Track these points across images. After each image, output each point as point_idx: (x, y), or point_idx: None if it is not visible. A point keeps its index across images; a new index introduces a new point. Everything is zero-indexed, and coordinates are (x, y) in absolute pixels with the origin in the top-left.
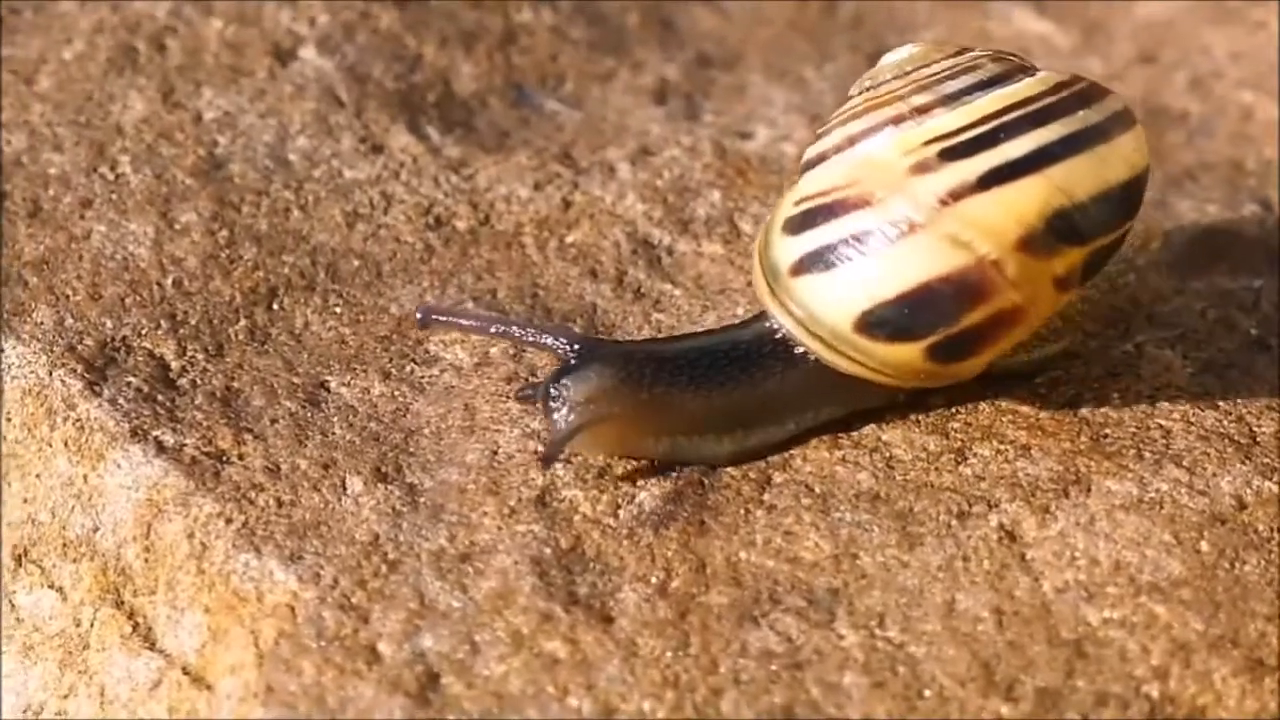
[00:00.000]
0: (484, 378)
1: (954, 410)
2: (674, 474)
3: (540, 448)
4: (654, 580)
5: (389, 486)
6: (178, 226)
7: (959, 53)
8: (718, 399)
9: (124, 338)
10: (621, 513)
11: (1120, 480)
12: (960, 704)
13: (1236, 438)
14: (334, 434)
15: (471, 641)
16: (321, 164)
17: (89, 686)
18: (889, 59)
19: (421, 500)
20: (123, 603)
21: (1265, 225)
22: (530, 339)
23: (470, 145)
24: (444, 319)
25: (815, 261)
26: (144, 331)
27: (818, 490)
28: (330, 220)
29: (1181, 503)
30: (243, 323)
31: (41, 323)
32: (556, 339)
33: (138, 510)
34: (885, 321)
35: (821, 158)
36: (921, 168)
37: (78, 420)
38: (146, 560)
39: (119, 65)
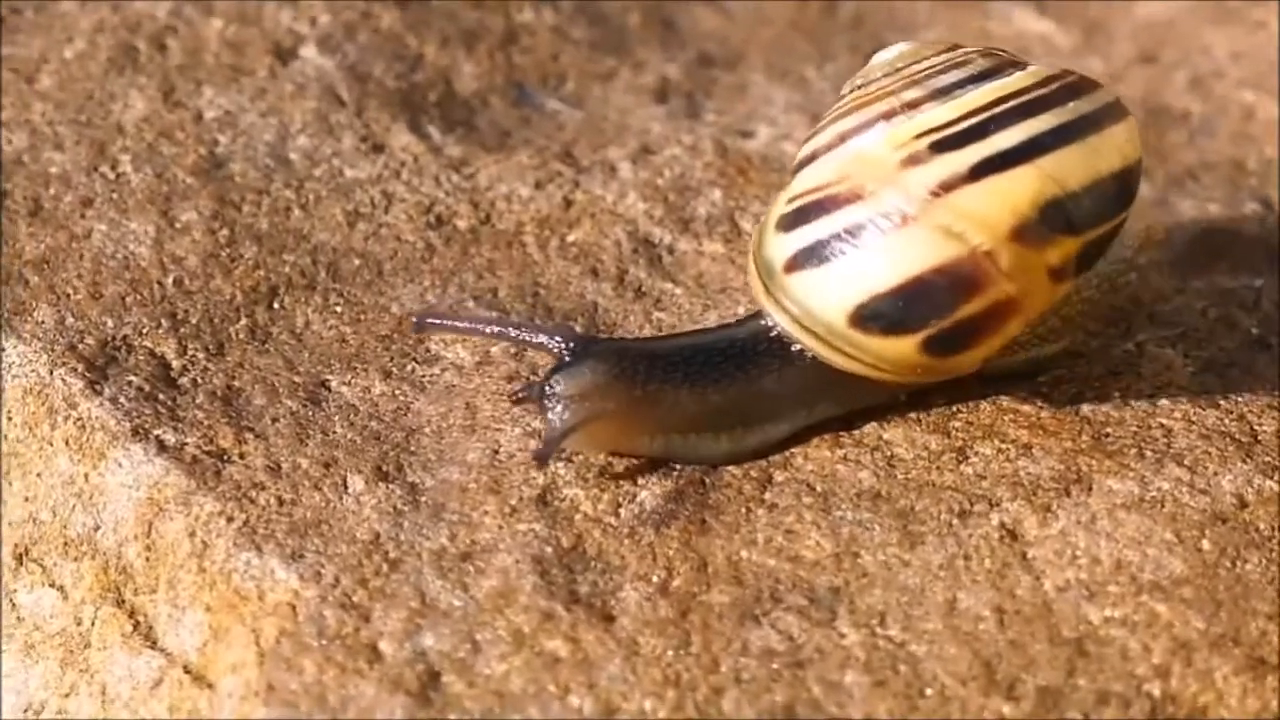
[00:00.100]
0: (485, 376)
1: (955, 409)
2: (675, 473)
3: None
4: (655, 579)
5: (390, 485)
6: (178, 225)
7: (949, 49)
8: (713, 396)
9: (125, 337)
10: (623, 511)
11: (1121, 479)
12: (961, 703)
13: (1238, 436)
14: (335, 433)
15: (473, 640)
16: (322, 163)
17: (90, 685)
18: (879, 58)
19: (422, 499)
20: (124, 601)
21: (1266, 224)
22: (525, 339)
23: (471, 144)
24: (439, 323)
25: (809, 257)
26: (145, 330)
27: (819, 489)
28: (331, 219)
29: (1183, 501)
30: (243, 322)
31: (42, 322)
32: (551, 338)
33: (139, 509)
34: (880, 315)
35: (813, 156)
36: (912, 160)
37: (79, 419)
38: (147, 559)
39: (120, 64)
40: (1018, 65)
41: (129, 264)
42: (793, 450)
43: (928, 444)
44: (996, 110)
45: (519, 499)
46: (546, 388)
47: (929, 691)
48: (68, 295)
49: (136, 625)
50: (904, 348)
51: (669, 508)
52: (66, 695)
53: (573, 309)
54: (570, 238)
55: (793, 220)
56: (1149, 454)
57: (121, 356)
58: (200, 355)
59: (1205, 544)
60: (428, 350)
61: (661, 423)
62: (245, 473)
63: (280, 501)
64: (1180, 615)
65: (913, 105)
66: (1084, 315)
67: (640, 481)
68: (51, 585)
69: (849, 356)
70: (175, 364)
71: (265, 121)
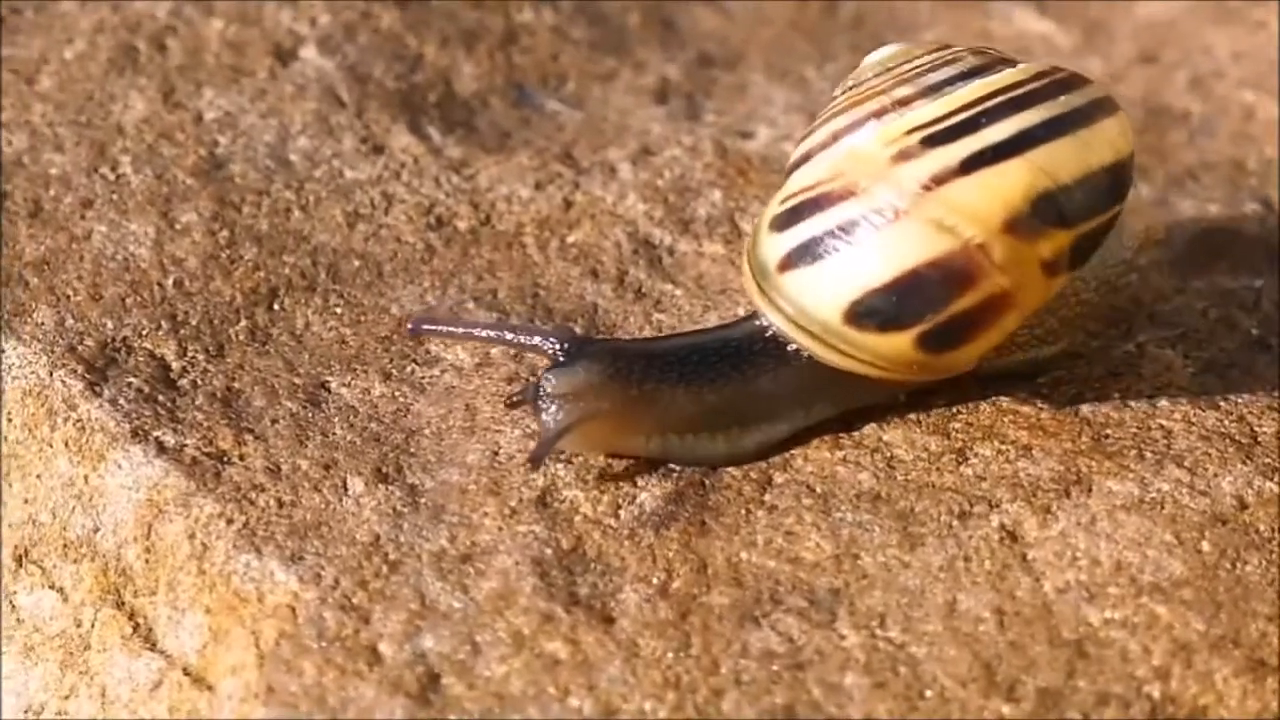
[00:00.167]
0: (485, 378)
1: (955, 410)
2: (675, 474)
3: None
4: (655, 581)
5: (390, 487)
6: (178, 227)
7: (940, 48)
8: (709, 396)
9: (125, 338)
10: (622, 513)
11: (1121, 480)
12: (961, 704)
13: (1237, 438)
14: (335, 434)
15: (472, 642)
16: (322, 164)
17: (90, 687)
18: (871, 58)
19: (422, 501)
20: (123, 603)
21: (1266, 224)
22: (520, 341)
23: (471, 145)
24: (434, 328)
25: (802, 255)
26: (145, 332)
27: (819, 490)
28: (331, 220)
29: (1183, 503)
30: (243, 323)
31: (42, 323)
32: (545, 339)
33: (138, 511)
34: (875, 311)
35: (807, 156)
36: (904, 155)
37: (78, 421)
38: (147, 561)
39: (120, 65)
40: (1007, 62)
41: (129, 265)
42: (792, 452)
43: (927, 445)
44: (987, 105)
45: (519, 501)
46: (540, 388)
47: (929, 693)
48: (67, 297)
49: (136, 627)
50: (899, 344)
51: (669, 509)
52: (66, 697)
53: (573, 310)
54: (570, 239)
55: (786, 220)
56: (1149, 455)
57: (121, 358)
58: (200, 357)
59: (1205, 545)
60: (427, 352)
61: (658, 423)
62: (245, 474)
63: (280, 503)
64: (1180, 617)
65: (904, 102)
66: (1082, 317)
67: (640, 483)
68: (51, 587)
69: (845, 355)
70: (175, 365)
71: (265, 122)
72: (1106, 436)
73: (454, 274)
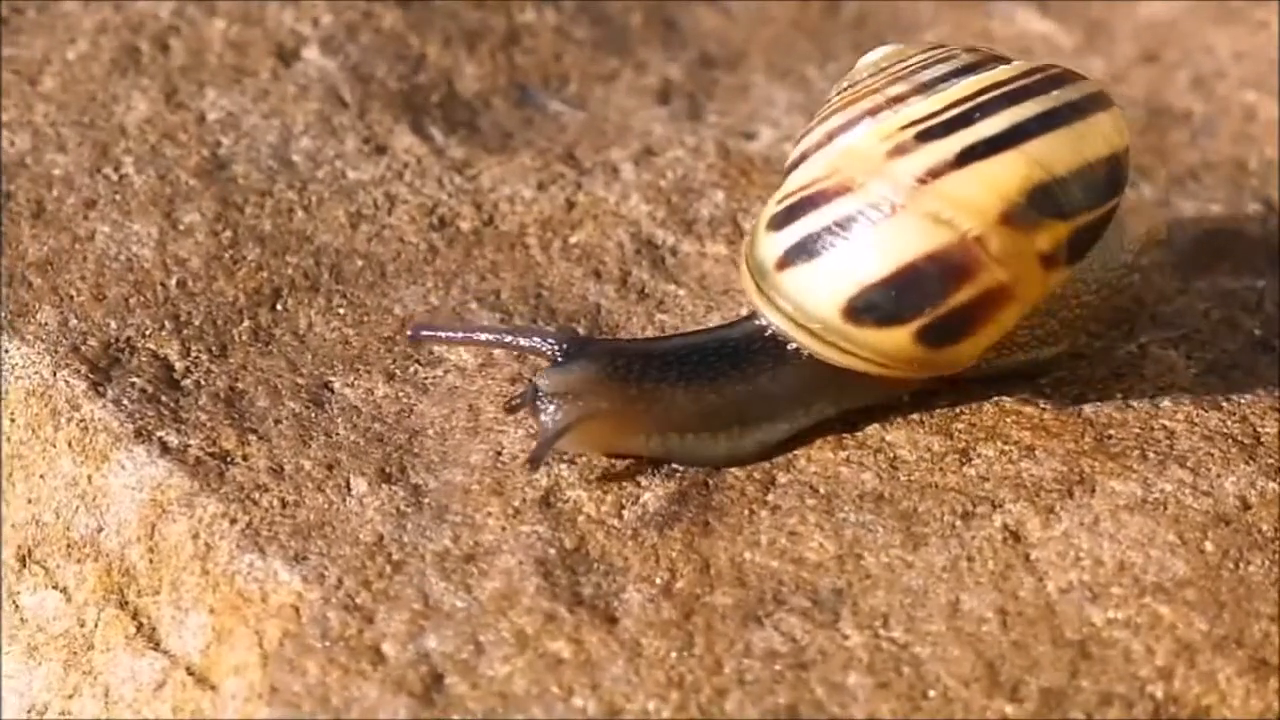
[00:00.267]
0: (488, 378)
1: (958, 411)
2: (678, 475)
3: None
4: (658, 581)
5: (393, 487)
6: (181, 227)
7: (934, 48)
8: (710, 395)
9: (128, 338)
10: (626, 513)
11: (1124, 481)
12: (964, 704)
13: (1240, 438)
14: (338, 435)
15: (476, 642)
16: (325, 164)
17: (93, 687)
18: (866, 59)
19: (426, 501)
20: (127, 603)
21: (1268, 225)
22: (519, 344)
23: (474, 146)
24: (434, 334)
25: (800, 253)
26: (148, 332)
27: (822, 491)
28: (334, 221)
29: (1186, 503)
30: (246, 323)
31: (45, 323)
32: (544, 340)
33: (142, 511)
34: (873, 306)
35: (803, 157)
36: (899, 150)
37: (82, 421)
38: (151, 561)
39: (122, 65)
40: (1000, 59)
41: (132, 266)
42: (795, 452)
43: (930, 445)
44: (980, 100)
45: (522, 501)
46: (539, 389)
47: (932, 693)
48: (71, 297)
49: (140, 627)
50: (899, 339)
51: (672, 509)
52: (70, 697)
53: (575, 311)
54: (573, 239)
55: (783, 218)
56: (1151, 456)
57: (124, 358)
58: (203, 357)
59: (1208, 546)
60: (430, 352)
61: (658, 422)
62: (248, 474)
63: (283, 503)
64: (1183, 617)
65: (898, 99)
66: (1083, 319)
67: (643, 483)
68: (54, 587)
69: (845, 352)
70: (178, 366)
71: (268, 123)
72: (1109, 437)
73: (457, 274)
